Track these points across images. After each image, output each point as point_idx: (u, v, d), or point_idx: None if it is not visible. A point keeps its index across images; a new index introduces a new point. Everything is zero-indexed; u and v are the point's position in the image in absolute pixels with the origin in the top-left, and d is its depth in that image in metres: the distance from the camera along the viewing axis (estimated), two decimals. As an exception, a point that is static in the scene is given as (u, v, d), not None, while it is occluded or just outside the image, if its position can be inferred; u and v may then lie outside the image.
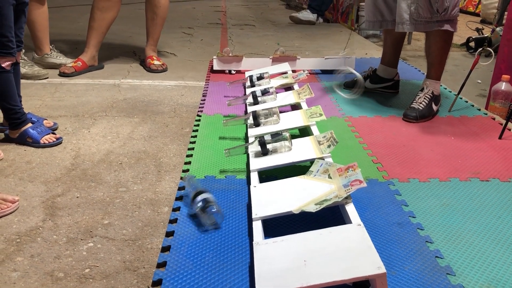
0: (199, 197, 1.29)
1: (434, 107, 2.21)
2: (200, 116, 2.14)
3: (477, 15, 7.48)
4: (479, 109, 2.31)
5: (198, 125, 2.04)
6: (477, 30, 4.75)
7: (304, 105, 2.03)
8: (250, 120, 1.86)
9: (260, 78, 2.41)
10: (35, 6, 2.68)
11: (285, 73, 2.56)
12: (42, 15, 2.76)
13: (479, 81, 3.69)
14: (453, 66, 4.16)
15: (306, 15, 5.00)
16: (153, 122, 2.09)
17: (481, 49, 2.21)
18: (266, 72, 2.44)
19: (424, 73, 2.99)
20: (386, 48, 2.54)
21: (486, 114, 2.24)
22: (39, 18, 2.74)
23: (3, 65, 1.68)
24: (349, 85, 2.61)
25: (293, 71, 2.63)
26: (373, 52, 3.74)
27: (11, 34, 1.68)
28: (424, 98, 2.20)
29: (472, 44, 4.66)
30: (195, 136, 1.92)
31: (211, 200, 1.29)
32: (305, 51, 3.68)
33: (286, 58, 2.92)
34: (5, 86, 1.73)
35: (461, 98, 2.41)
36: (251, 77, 2.43)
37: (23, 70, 2.53)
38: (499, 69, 2.46)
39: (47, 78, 2.68)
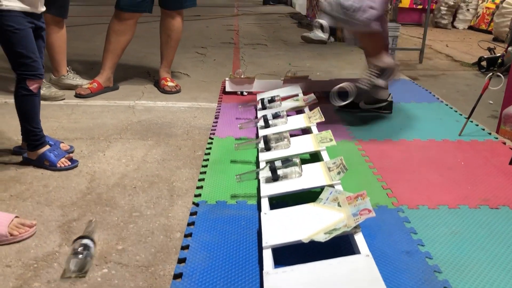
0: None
1: (380, 82, 2.30)
2: (212, 139, 2.18)
3: (490, 32, 7.49)
4: (490, 133, 2.31)
5: (210, 148, 2.07)
6: (489, 49, 4.76)
7: (314, 129, 2.06)
8: (261, 144, 1.90)
9: (271, 101, 2.45)
10: (54, 30, 2.77)
11: (296, 95, 2.60)
12: (61, 38, 2.84)
13: (491, 101, 3.69)
14: (464, 86, 4.16)
15: (318, 34, 5.05)
16: (167, 145, 2.13)
17: (491, 74, 2.23)
18: (278, 95, 2.48)
19: (434, 95, 3.01)
20: None
21: (497, 138, 2.25)
22: (57, 41, 2.83)
23: (31, 88, 1.75)
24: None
25: (304, 94, 2.67)
26: (384, 73, 3.76)
27: (35, 55, 1.75)
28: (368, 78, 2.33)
29: (484, 63, 4.66)
30: (207, 160, 1.95)
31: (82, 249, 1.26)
32: (316, 72, 3.72)
33: (297, 79, 2.96)
34: (31, 108, 1.80)
35: (471, 121, 2.42)
36: (262, 100, 2.47)
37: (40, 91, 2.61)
38: (510, 92, 2.47)
39: (64, 99, 2.76)
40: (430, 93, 3.07)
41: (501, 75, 2.24)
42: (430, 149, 2.11)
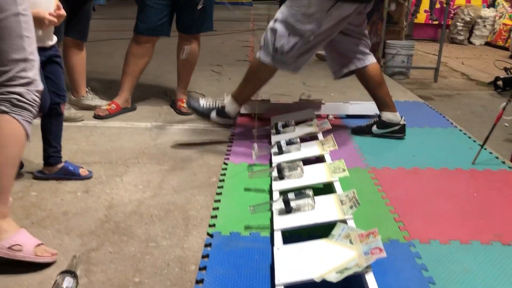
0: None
1: (213, 116, 2.52)
2: (226, 164, 2.22)
3: (507, 49, 7.45)
4: (504, 162, 2.31)
5: (224, 175, 2.11)
6: (505, 69, 4.74)
7: (327, 157, 2.09)
8: (275, 173, 1.93)
9: (285, 125, 2.49)
10: (74, 52, 2.86)
11: (310, 120, 2.63)
12: (81, 60, 2.93)
13: (506, 124, 3.67)
14: (480, 107, 4.15)
15: (333, 52, 5.08)
16: (182, 170, 2.18)
17: (505, 104, 2.23)
18: (291, 120, 2.51)
19: (448, 119, 3.01)
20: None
21: (511, 168, 2.25)
22: (77, 63, 2.91)
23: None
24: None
25: (318, 116, 2.71)
26: (399, 95, 3.77)
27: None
28: (213, 103, 2.53)
29: (500, 83, 4.64)
30: (222, 187, 1.99)
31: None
32: (331, 93, 3.75)
33: (312, 103, 3.00)
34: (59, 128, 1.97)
35: (485, 149, 2.41)
36: (276, 124, 2.51)
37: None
38: (525, 121, 2.47)
39: (83, 120, 2.83)
40: (444, 117, 3.07)
41: (516, 105, 2.24)
42: (443, 179, 2.12)
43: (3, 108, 1.38)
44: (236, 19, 10.12)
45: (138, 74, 3.04)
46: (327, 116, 3.00)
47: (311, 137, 2.45)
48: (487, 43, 8.16)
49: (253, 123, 2.84)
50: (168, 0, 2.88)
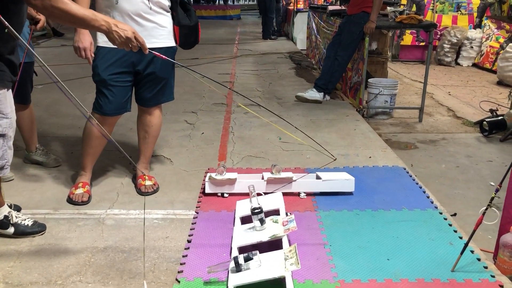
0: None
1: None
2: (179, 281, 2.00)
3: (494, 72, 7.29)
4: (486, 267, 2.10)
5: (175, 298, 1.89)
6: (491, 111, 4.56)
7: (289, 280, 1.87)
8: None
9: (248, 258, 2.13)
10: (19, 114, 2.69)
11: (277, 211, 2.42)
12: (27, 120, 3.05)
13: (492, 183, 3.49)
14: (465, 158, 3.95)
15: (312, 94, 4.90)
16: (128, 292, 1.95)
17: (484, 208, 2.02)
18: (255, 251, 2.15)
19: (428, 195, 2.77)
20: None
21: (494, 277, 2.03)
22: (24, 123, 3.03)
23: None
24: None
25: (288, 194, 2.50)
26: (378, 155, 3.55)
27: None
28: None
29: (485, 125, 4.46)
30: (169, 321, 1.77)
31: None
32: (306, 153, 3.53)
33: (281, 180, 2.79)
34: None
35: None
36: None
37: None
38: (508, 214, 2.26)
39: (13, 179, 2.93)
40: (424, 192, 2.85)
41: (496, 210, 2.03)
42: (418, 299, 1.91)
43: None
44: (220, 40, 9.91)
45: (101, 150, 2.81)
46: (299, 194, 2.79)
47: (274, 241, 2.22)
48: (474, 65, 8.00)
49: (219, 205, 2.62)
50: (131, 77, 2.66)
